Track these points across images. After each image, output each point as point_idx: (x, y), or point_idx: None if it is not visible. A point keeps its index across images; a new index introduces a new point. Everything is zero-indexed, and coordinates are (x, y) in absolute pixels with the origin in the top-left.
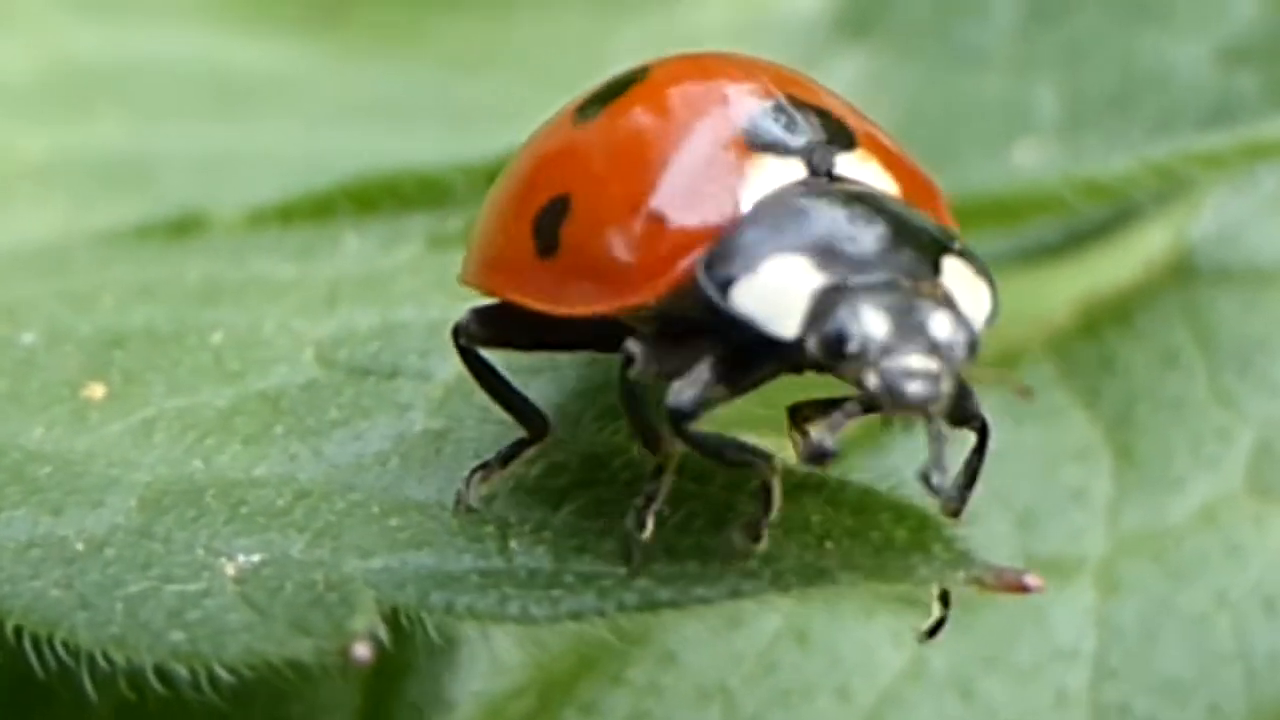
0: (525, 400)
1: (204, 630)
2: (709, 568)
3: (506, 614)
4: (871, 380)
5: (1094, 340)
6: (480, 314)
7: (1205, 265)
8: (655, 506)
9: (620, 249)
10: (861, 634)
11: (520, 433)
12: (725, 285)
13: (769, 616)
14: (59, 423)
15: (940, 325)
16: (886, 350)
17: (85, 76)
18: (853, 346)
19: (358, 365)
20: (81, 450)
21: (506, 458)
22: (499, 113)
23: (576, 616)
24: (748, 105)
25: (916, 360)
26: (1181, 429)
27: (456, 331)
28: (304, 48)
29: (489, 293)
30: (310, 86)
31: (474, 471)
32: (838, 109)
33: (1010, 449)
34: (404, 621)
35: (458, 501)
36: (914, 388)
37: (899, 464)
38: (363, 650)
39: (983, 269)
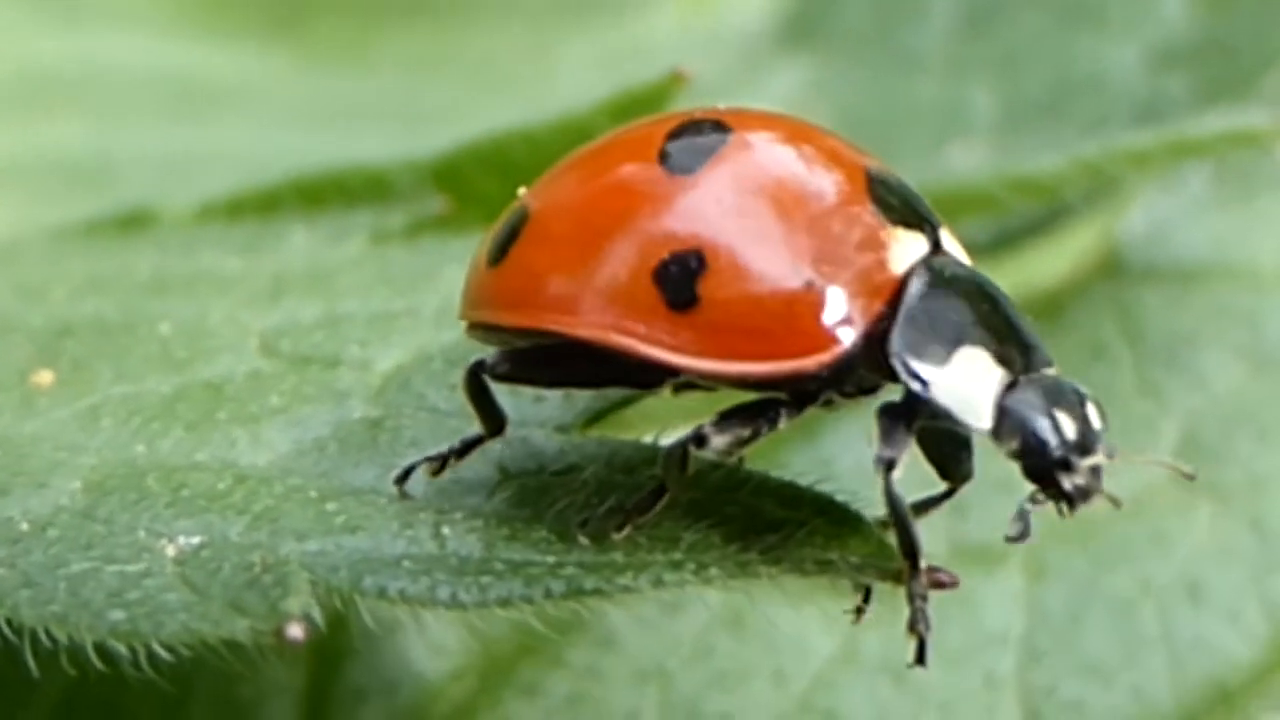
0: (495, 401)
1: (143, 609)
2: (634, 558)
3: (437, 599)
4: (1067, 483)
5: None
6: (508, 355)
7: (1133, 262)
8: (643, 520)
9: (780, 312)
10: (795, 619)
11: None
12: (921, 379)
13: (705, 602)
14: (7, 408)
15: (1094, 416)
16: (1080, 451)
17: (47, 81)
18: (1050, 447)
19: (300, 355)
20: (29, 434)
21: (462, 452)
22: (451, 119)
23: (505, 603)
24: (864, 170)
25: (1098, 459)
26: (1109, 420)
27: (478, 368)
28: (261, 55)
29: (549, 330)
30: (267, 92)
31: (423, 462)
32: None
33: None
34: (338, 604)
35: (400, 482)
36: (1097, 484)
37: (833, 454)
38: (296, 631)
39: None
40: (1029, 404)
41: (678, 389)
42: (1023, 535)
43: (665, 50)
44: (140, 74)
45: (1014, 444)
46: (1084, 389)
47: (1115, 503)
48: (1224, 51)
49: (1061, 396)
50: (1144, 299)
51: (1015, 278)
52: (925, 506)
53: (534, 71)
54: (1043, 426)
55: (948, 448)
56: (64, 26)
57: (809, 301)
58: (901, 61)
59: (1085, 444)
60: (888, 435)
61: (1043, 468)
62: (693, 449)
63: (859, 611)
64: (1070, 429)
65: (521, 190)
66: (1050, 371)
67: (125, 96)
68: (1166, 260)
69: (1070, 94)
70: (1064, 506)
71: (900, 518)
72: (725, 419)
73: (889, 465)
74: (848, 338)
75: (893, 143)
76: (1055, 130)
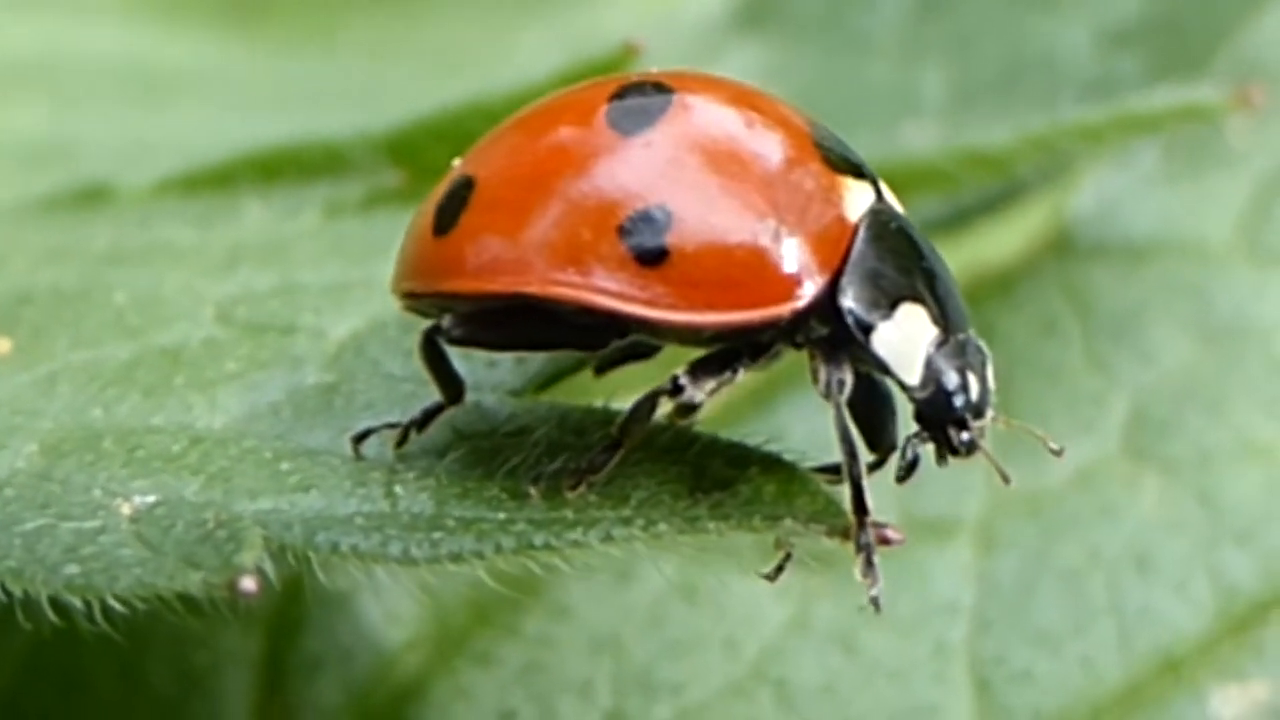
0: (452, 367)
1: (97, 564)
2: (584, 514)
3: (389, 555)
4: (956, 437)
5: (976, 309)
6: (463, 318)
7: (1084, 239)
8: (596, 479)
9: (751, 262)
10: (747, 588)
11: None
12: (867, 330)
13: (660, 570)
14: None
15: (991, 379)
16: (976, 413)
17: (8, 68)
18: (957, 407)
19: (255, 322)
20: None
21: (423, 422)
22: (410, 106)
23: (456, 558)
24: (808, 127)
25: (987, 419)
26: (1058, 394)
27: (433, 333)
28: (221, 42)
29: (514, 292)
30: (226, 78)
31: (383, 428)
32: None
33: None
34: (291, 561)
35: (357, 442)
36: (981, 442)
37: (787, 422)
38: (249, 584)
39: None
40: (954, 366)
41: (620, 358)
42: (911, 470)
43: (622, 35)
44: (100, 59)
45: (924, 395)
46: (987, 349)
47: (997, 466)
48: (1174, 31)
49: (976, 359)
50: (1094, 275)
51: (968, 254)
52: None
53: (492, 57)
54: (958, 388)
55: (875, 413)
56: (24, 12)
57: (778, 250)
58: (854, 44)
59: (982, 405)
60: (830, 360)
61: (942, 422)
62: (666, 399)
63: (779, 570)
64: (975, 391)
65: (456, 161)
66: (970, 333)
67: (86, 82)
68: (1116, 237)
69: (1022, 74)
70: (944, 455)
71: (850, 450)
72: (696, 368)
73: (840, 385)
74: (815, 284)
75: (847, 124)
76: (1007, 110)
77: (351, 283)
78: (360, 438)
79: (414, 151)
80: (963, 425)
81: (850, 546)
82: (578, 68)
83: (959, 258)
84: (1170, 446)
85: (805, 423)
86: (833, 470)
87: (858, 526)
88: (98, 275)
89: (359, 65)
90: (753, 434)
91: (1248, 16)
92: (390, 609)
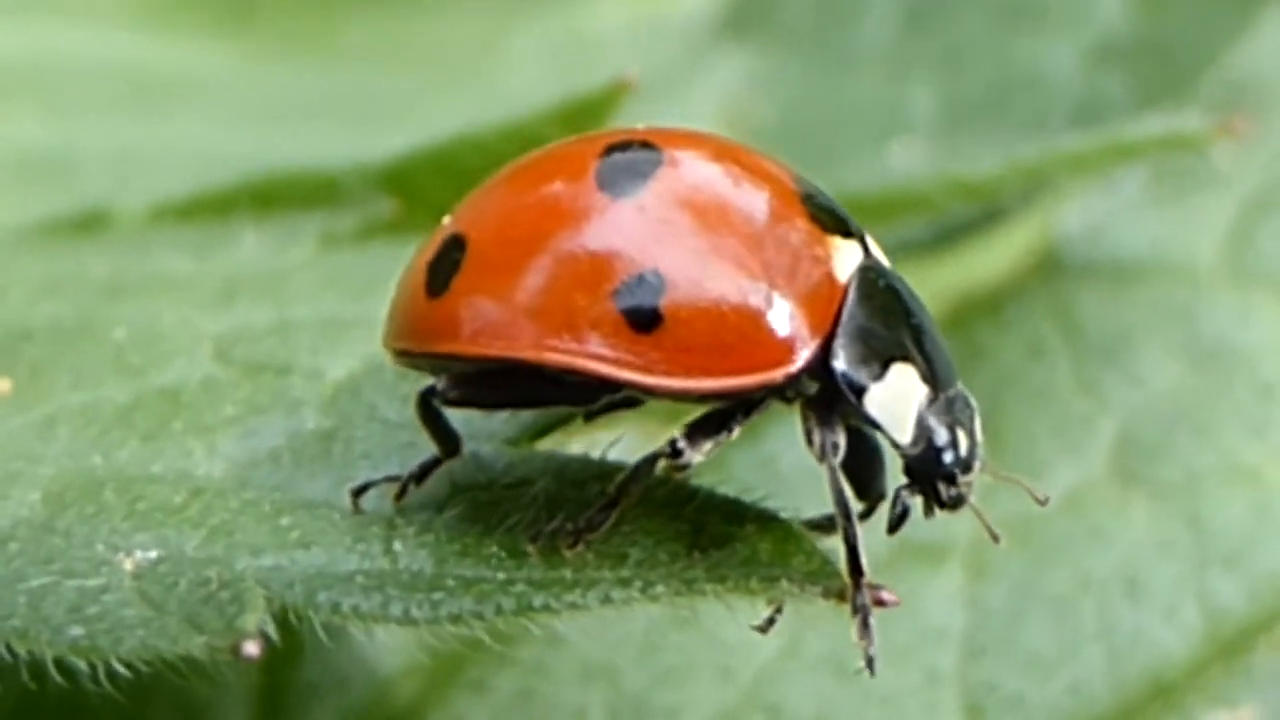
0: (448, 424)
1: (102, 625)
2: (583, 575)
3: (389, 615)
4: (946, 492)
5: (964, 331)
6: (457, 380)
7: (1071, 261)
8: (594, 537)
9: (745, 327)
10: (741, 616)
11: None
12: (860, 391)
13: None
14: None
15: (979, 432)
16: (965, 468)
17: (3, 75)
18: (947, 464)
19: (253, 361)
20: None
21: (421, 476)
22: (401, 111)
23: (456, 620)
24: (795, 185)
25: (975, 472)
26: (1047, 417)
27: (429, 394)
28: (215, 49)
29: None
30: (221, 86)
31: (382, 481)
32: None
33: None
34: (293, 619)
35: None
36: (969, 496)
37: (775, 452)
38: (252, 648)
39: None
40: (944, 423)
41: (609, 406)
42: (902, 522)
43: (610, 43)
44: (94, 68)
45: (915, 452)
46: (974, 403)
47: (985, 522)
48: (1160, 52)
49: (965, 415)
50: (1082, 297)
51: (955, 276)
52: (827, 525)
53: (484, 64)
54: (949, 445)
55: (864, 463)
56: (16, 21)
57: (772, 314)
58: (842, 58)
59: (970, 461)
60: (824, 422)
61: (932, 478)
62: (665, 461)
63: (770, 622)
64: (964, 447)
65: (446, 218)
66: (959, 387)
67: (80, 90)
68: (1104, 259)
69: (1009, 93)
70: (932, 508)
71: (845, 512)
72: (693, 430)
73: (835, 448)
74: (809, 348)
75: (833, 140)
76: (994, 129)
77: (347, 320)
78: (359, 491)
79: (409, 183)
80: (952, 481)
81: (846, 608)
82: (571, 107)
83: (946, 279)
84: (1159, 469)
85: (793, 451)
86: (826, 523)
87: (854, 588)
88: (97, 309)
89: (352, 70)
90: (749, 487)
91: (1234, 38)
92: (386, 638)
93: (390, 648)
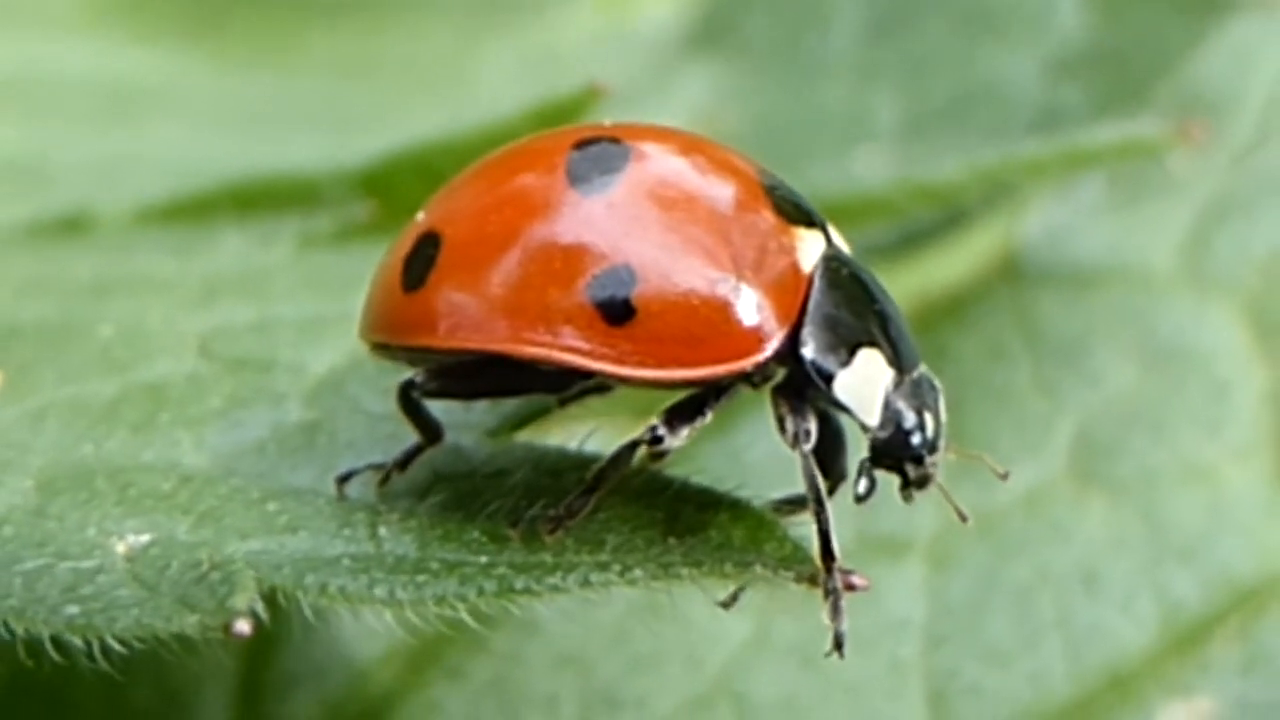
0: (429, 414)
1: (97, 605)
2: (563, 559)
3: (375, 597)
4: (913, 472)
5: (928, 333)
6: (435, 372)
7: (1031, 266)
8: (573, 523)
9: (715, 318)
10: (709, 605)
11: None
12: (829, 378)
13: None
14: None
15: (944, 413)
16: (932, 449)
17: None
18: (914, 445)
19: (236, 357)
20: None
21: (404, 463)
22: (374, 119)
23: (439, 601)
24: (759, 177)
25: (940, 452)
26: (1007, 417)
27: (408, 387)
28: (187, 57)
29: (485, 349)
30: (193, 94)
31: (366, 469)
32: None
33: (849, 436)
34: (281, 600)
35: (341, 483)
36: (936, 475)
37: (747, 441)
38: (243, 626)
39: None
40: (910, 406)
41: (582, 392)
42: (869, 493)
43: (580, 53)
44: (71, 78)
45: (884, 435)
46: (939, 384)
47: (952, 502)
48: (1118, 61)
49: (930, 397)
50: (1042, 300)
51: (917, 280)
52: (796, 505)
53: (455, 72)
54: (915, 426)
55: (828, 446)
56: None
57: (741, 305)
58: (808, 69)
59: (936, 442)
60: (796, 410)
61: (900, 459)
62: (644, 447)
63: (734, 598)
64: (931, 428)
65: (420, 214)
66: (923, 369)
67: (57, 100)
68: (1063, 263)
69: (971, 101)
70: (909, 492)
71: (818, 498)
72: (670, 416)
73: (806, 436)
74: (777, 336)
75: (799, 148)
76: (957, 136)
77: (328, 317)
78: (344, 478)
79: (386, 185)
80: (919, 461)
81: (818, 592)
82: (545, 110)
83: (910, 282)
84: (1115, 468)
85: (762, 442)
86: (794, 502)
87: (826, 572)
88: (82, 308)
89: (322, 78)
90: (721, 477)
91: (1189, 47)
92: (364, 624)
93: (368, 635)
